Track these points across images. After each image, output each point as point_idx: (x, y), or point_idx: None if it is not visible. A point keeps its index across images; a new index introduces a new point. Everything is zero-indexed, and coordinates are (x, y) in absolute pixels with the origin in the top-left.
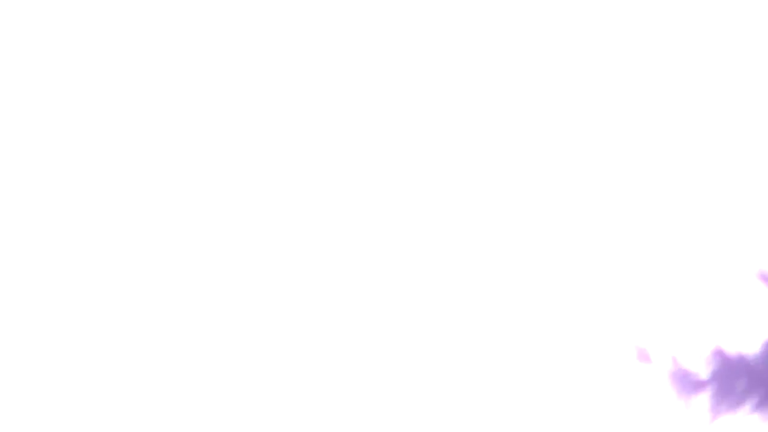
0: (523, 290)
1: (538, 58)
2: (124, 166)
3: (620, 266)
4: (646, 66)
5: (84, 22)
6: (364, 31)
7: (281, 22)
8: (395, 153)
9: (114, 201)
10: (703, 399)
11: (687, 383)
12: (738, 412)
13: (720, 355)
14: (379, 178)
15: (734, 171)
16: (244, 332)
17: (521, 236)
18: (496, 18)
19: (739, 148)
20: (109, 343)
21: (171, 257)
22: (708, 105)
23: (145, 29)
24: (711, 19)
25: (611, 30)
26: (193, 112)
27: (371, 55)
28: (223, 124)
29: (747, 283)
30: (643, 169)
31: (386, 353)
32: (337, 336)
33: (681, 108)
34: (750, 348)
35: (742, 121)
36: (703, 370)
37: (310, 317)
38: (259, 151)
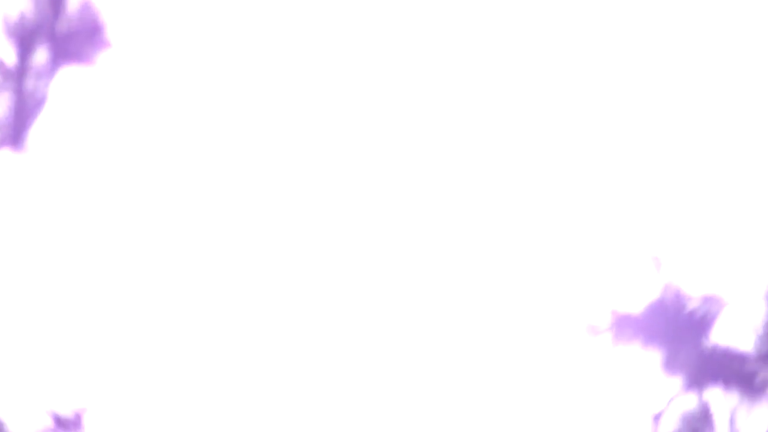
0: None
1: (538, 59)
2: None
3: (545, 247)
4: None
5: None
6: (364, 31)
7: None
8: (395, 153)
9: (117, 200)
10: (606, 340)
11: (594, 330)
12: (629, 347)
13: (616, 313)
14: (378, 178)
15: (644, 163)
16: (244, 332)
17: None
18: (496, 18)
19: (664, 142)
20: (110, 342)
21: (172, 257)
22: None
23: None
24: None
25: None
26: (195, 112)
27: (371, 55)
28: (224, 124)
29: (641, 264)
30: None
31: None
32: (336, 336)
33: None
34: (636, 309)
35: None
36: (604, 322)
37: (310, 317)
38: (259, 151)
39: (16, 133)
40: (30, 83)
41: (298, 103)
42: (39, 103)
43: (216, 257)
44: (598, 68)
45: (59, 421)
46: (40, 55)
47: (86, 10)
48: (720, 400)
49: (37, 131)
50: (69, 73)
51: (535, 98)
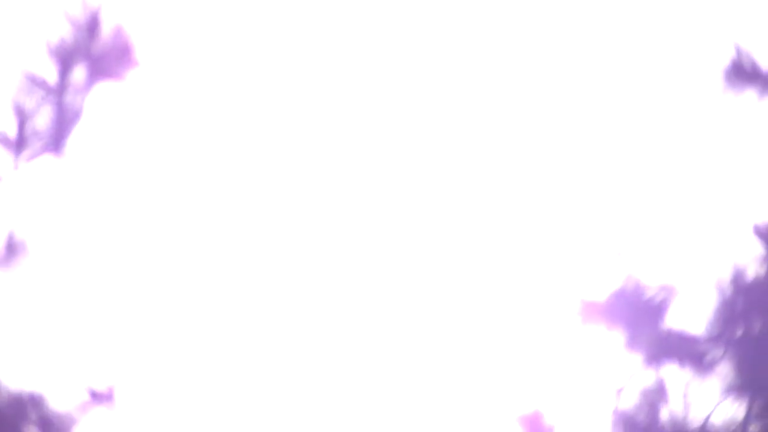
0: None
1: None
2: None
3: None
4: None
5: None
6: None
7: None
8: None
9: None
10: (575, 323)
11: (564, 315)
12: (595, 330)
13: (583, 300)
14: (378, 178)
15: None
16: (244, 332)
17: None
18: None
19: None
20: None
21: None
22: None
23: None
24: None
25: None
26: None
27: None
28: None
29: (606, 258)
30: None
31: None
32: (335, 336)
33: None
34: (601, 296)
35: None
36: (573, 308)
37: (310, 317)
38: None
39: (56, 141)
40: (69, 98)
41: (325, 120)
42: (76, 115)
43: (240, 252)
44: (556, 63)
45: (95, 396)
46: (78, 74)
47: (118, 34)
48: (674, 376)
49: (74, 139)
50: (103, 88)
51: (500, 90)
